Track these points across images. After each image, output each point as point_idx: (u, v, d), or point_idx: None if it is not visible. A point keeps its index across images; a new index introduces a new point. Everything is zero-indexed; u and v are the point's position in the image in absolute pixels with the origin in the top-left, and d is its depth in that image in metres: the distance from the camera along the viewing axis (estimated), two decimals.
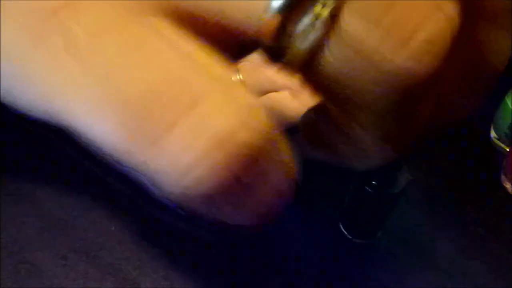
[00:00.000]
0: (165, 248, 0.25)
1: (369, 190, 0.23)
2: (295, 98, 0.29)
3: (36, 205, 0.26)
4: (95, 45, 0.12)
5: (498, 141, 0.32)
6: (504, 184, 0.30)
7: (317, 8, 0.14)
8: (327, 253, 0.27)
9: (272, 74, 0.28)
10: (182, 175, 0.11)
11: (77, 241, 0.25)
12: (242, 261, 0.26)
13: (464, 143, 0.33)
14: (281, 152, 0.14)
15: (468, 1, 0.14)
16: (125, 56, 0.12)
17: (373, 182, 0.23)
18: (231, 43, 0.15)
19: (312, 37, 0.13)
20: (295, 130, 0.18)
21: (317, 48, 0.13)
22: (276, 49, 0.14)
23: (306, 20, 0.14)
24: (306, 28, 0.14)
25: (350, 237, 0.27)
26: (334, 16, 0.14)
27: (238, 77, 0.31)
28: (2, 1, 0.13)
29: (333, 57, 0.13)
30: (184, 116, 0.12)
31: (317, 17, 0.14)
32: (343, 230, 0.27)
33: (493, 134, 0.33)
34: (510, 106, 0.31)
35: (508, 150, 0.31)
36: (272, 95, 0.31)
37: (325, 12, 0.14)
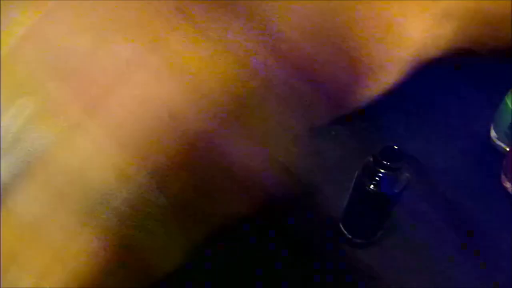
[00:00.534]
0: None
1: (369, 190, 0.23)
2: None
3: None
4: None
5: (498, 141, 0.32)
6: (504, 184, 0.30)
7: None
8: (327, 253, 0.27)
9: None
10: None
11: None
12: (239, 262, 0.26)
13: (464, 143, 0.33)
14: None
15: None
16: None
17: (373, 182, 0.23)
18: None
19: None
20: None
21: None
22: None
23: None
24: None
25: (350, 236, 0.27)
26: None
27: None
28: None
29: None
30: None
31: None
32: (343, 230, 0.27)
33: (493, 134, 0.33)
34: (510, 106, 0.31)
35: (508, 150, 0.31)
36: None
37: None
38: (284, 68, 0.28)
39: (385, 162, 0.22)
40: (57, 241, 0.19)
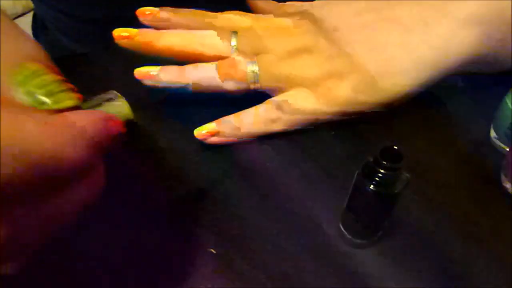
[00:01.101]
0: None
1: (369, 190, 0.23)
2: None
3: None
4: None
5: (498, 141, 0.32)
6: (504, 184, 0.30)
7: None
8: (327, 253, 0.27)
9: None
10: None
11: None
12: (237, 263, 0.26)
13: (464, 143, 0.33)
14: None
15: None
16: None
17: (373, 182, 0.23)
18: None
19: None
20: None
21: None
22: None
23: None
24: None
25: (350, 237, 0.27)
26: None
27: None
28: None
29: None
30: None
31: None
32: (343, 230, 0.27)
33: (493, 134, 0.33)
34: (510, 106, 0.31)
35: (508, 150, 0.31)
36: None
37: None
38: None
39: (385, 162, 0.22)
40: None
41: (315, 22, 0.34)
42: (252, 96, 0.33)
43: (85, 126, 0.19)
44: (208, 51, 0.33)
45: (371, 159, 0.23)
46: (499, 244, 0.27)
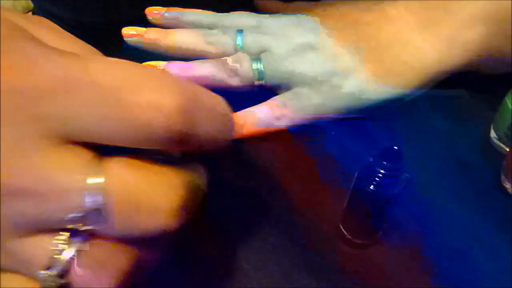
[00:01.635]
0: None
1: (369, 190, 0.23)
2: None
3: None
4: None
5: (498, 141, 0.32)
6: (504, 184, 0.30)
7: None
8: (327, 253, 0.27)
9: None
10: None
11: None
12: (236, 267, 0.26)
13: (464, 143, 0.33)
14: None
15: None
16: None
17: (373, 183, 0.23)
18: None
19: None
20: None
21: None
22: None
23: None
24: None
25: (350, 237, 0.27)
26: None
27: None
28: None
29: None
30: None
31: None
32: (343, 230, 0.27)
33: (493, 134, 0.33)
34: (510, 106, 0.30)
35: (508, 150, 0.31)
36: None
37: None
38: None
39: (385, 163, 0.22)
40: None
41: (320, 20, 0.34)
42: (257, 93, 0.33)
43: None
44: (214, 49, 0.34)
45: (371, 159, 0.23)
46: (499, 244, 0.27)
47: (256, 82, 0.33)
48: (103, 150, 0.17)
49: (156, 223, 0.17)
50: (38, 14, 0.53)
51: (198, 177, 0.19)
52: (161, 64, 0.33)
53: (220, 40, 0.34)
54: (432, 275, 0.26)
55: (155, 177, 0.18)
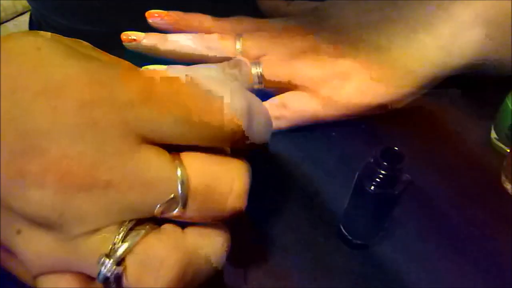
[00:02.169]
0: None
1: (369, 191, 0.23)
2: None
3: None
4: None
5: (498, 142, 0.32)
6: (504, 184, 0.30)
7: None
8: (327, 254, 0.27)
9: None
10: None
11: None
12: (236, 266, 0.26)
13: (464, 143, 0.33)
14: None
15: None
16: None
17: (374, 183, 0.23)
18: None
19: None
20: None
21: None
22: None
23: None
24: None
25: (350, 238, 0.27)
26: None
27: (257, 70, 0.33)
28: None
29: None
30: None
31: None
32: (343, 231, 0.27)
33: (493, 134, 0.33)
34: (510, 107, 0.31)
35: (508, 150, 0.31)
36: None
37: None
38: None
39: (385, 163, 0.22)
40: None
41: (320, 21, 0.34)
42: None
43: None
44: (213, 54, 0.34)
45: (372, 160, 0.23)
46: (500, 245, 0.27)
47: (256, 86, 0.33)
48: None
49: (231, 204, 0.20)
50: (36, 23, 0.53)
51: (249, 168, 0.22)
52: (161, 68, 0.33)
53: (219, 44, 0.34)
54: (432, 275, 0.26)
55: (225, 165, 0.20)
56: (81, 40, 0.22)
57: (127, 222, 0.19)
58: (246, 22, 0.36)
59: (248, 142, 0.21)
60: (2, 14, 1.27)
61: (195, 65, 0.33)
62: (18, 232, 0.20)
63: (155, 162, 0.19)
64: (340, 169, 0.31)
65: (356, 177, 0.24)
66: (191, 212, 0.20)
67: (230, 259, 0.22)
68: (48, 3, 0.45)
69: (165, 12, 0.36)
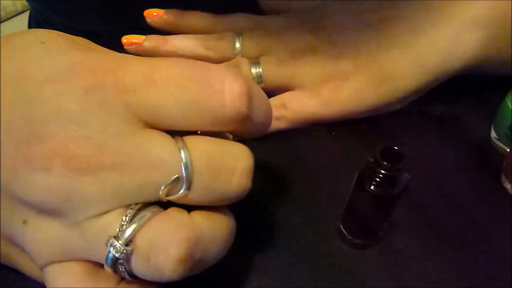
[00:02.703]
0: None
1: (369, 190, 0.23)
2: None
3: None
4: None
5: (498, 141, 0.32)
6: (504, 184, 0.30)
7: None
8: (327, 253, 0.27)
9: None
10: None
11: None
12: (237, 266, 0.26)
13: (464, 143, 0.33)
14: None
15: None
16: None
17: (373, 183, 0.23)
18: None
19: None
20: None
21: None
22: None
23: None
24: None
25: (350, 237, 0.27)
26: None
27: (257, 70, 0.33)
28: None
29: None
30: None
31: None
32: (343, 230, 0.27)
33: (493, 134, 0.33)
34: (510, 106, 0.31)
35: (508, 150, 0.31)
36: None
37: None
38: None
39: (385, 163, 0.22)
40: None
41: (320, 20, 0.34)
42: None
43: None
44: (213, 54, 0.34)
45: (371, 159, 0.23)
46: (500, 245, 0.27)
47: None
48: None
49: (236, 182, 0.20)
50: (35, 22, 0.53)
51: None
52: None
53: (219, 45, 0.34)
54: (432, 274, 0.26)
55: (228, 145, 0.21)
56: (81, 37, 0.23)
57: (133, 205, 0.20)
58: (246, 20, 0.36)
59: (249, 126, 0.21)
60: (2, 13, 1.27)
61: None
62: (24, 222, 0.20)
63: (158, 144, 0.19)
64: (340, 169, 0.31)
65: (356, 177, 0.24)
66: (196, 193, 0.20)
67: (230, 259, 0.22)
68: (48, 3, 0.45)
69: (163, 10, 0.36)
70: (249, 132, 0.23)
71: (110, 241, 0.19)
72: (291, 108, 0.33)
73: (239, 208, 0.28)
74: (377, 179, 0.23)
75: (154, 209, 0.20)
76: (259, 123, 0.22)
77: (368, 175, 0.23)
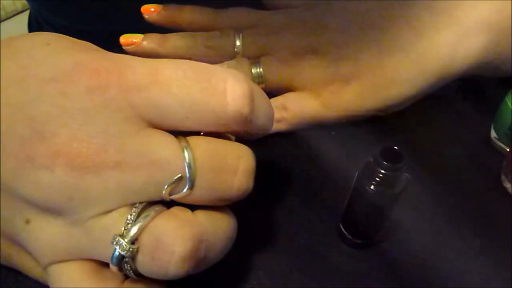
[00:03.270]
0: None
1: (369, 190, 0.23)
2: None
3: None
4: None
5: (498, 141, 0.32)
6: (504, 184, 0.30)
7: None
8: (327, 253, 0.27)
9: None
10: None
11: None
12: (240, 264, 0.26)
13: (464, 143, 0.33)
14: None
15: None
16: None
17: (373, 182, 0.23)
18: None
19: None
20: None
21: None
22: None
23: None
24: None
25: (350, 237, 0.27)
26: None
27: (258, 70, 0.33)
28: None
29: None
30: None
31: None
32: (343, 230, 0.27)
33: (493, 134, 0.33)
34: (510, 106, 0.31)
35: (508, 150, 0.31)
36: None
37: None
38: None
39: (385, 163, 0.22)
40: None
41: (322, 19, 0.33)
42: None
43: None
44: (213, 53, 0.33)
45: (371, 159, 0.23)
46: (499, 244, 0.27)
47: None
48: None
49: (238, 182, 0.21)
50: (35, 22, 0.53)
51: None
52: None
53: (219, 43, 0.33)
54: (432, 274, 0.26)
55: (231, 146, 0.21)
56: (83, 41, 0.23)
57: (137, 204, 0.20)
58: (246, 15, 0.35)
59: (251, 127, 0.22)
60: (2, 13, 1.27)
61: None
62: (27, 222, 0.20)
63: (161, 144, 0.19)
64: (340, 169, 0.31)
65: (356, 176, 0.24)
66: (199, 192, 0.20)
67: (230, 259, 0.22)
68: (48, 3, 0.45)
69: (161, 6, 0.35)
70: (251, 133, 0.23)
71: (116, 239, 0.19)
72: (292, 110, 0.32)
73: (239, 207, 0.28)
74: (377, 179, 0.23)
75: (158, 208, 0.20)
76: (260, 124, 0.22)
77: (368, 175, 0.23)
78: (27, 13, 0.64)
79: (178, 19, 0.35)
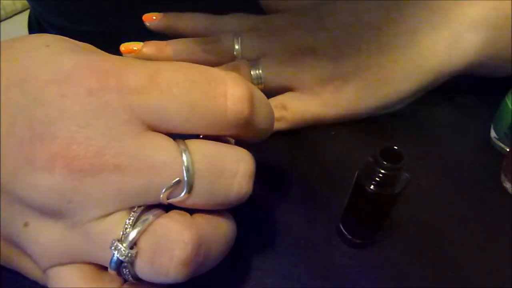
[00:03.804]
0: None
1: (369, 190, 0.23)
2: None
3: None
4: None
5: (498, 141, 0.32)
6: (504, 184, 0.30)
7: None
8: (327, 253, 0.27)
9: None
10: None
11: None
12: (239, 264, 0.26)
13: (464, 143, 0.33)
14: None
15: None
16: None
17: (373, 182, 0.23)
18: None
19: None
20: None
21: None
22: None
23: None
24: None
25: (350, 237, 0.27)
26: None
27: (257, 71, 0.33)
28: None
29: None
30: None
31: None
32: (343, 230, 0.27)
33: (493, 134, 0.33)
34: (510, 106, 0.30)
35: (508, 150, 0.31)
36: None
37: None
38: None
39: (385, 162, 0.22)
40: None
41: (320, 20, 0.33)
42: None
43: None
44: (213, 57, 0.34)
45: (371, 159, 0.23)
46: (499, 244, 0.27)
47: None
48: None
49: (237, 186, 0.20)
50: (35, 22, 0.53)
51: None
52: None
53: (218, 47, 0.34)
54: (432, 274, 0.26)
55: (230, 149, 0.21)
56: (83, 42, 0.23)
57: (136, 208, 0.20)
58: (245, 20, 0.35)
59: (251, 131, 0.22)
60: (2, 12, 1.27)
61: None
62: (26, 224, 0.20)
63: (160, 147, 0.19)
64: (340, 169, 0.31)
65: (356, 176, 0.24)
66: (197, 196, 0.20)
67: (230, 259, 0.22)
68: (48, 3, 0.45)
69: (162, 14, 0.35)
70: (251, 137, 0.23)
71: (115, 244, 0.19)
72: (291, 109, 0.32)
73: (239, 208, 0.28)
74: (377, 179, 0.23)
75: (157, 211, 0.20)
76: (260, 127, 0.22)
77: (368, 175, 0.23)
78: (27, 13, 0.64)
79: (178, 26, 0.35)
